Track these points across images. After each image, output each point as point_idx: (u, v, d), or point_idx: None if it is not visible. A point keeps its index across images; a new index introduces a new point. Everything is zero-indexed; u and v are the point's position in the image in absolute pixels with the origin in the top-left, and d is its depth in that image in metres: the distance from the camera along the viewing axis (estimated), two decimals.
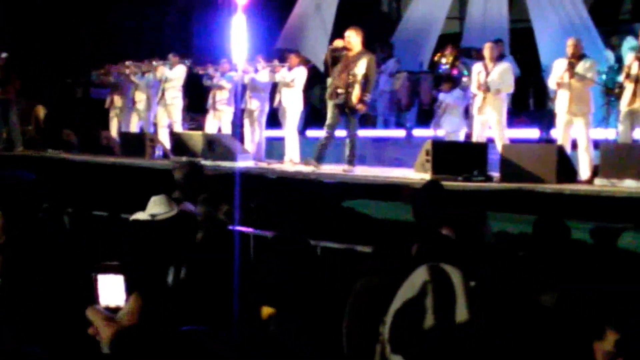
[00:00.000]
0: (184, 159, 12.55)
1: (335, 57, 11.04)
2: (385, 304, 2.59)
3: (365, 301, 3.00)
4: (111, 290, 2.07)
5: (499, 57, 11.74)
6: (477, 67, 11.27)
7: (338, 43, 11.11)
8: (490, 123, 11.11)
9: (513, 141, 11.24)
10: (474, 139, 11.23)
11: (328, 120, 11.21)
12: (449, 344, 2.39)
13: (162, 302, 2.43)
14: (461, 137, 12.27)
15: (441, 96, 12.06)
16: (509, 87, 11.24)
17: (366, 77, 10.91)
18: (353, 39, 10.98)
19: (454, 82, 12.21)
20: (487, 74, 11.02)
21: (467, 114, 12.80)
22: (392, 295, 2.57)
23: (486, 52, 11.19)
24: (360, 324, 2.97)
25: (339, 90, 10.93)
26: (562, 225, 5.03)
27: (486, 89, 10.97)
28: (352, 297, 3.18)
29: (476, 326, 2.42)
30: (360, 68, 10.84)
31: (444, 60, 12.45)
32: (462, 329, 2.40)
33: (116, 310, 2.06)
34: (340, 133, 11.42)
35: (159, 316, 2.09)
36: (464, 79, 12.06)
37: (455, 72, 12.74)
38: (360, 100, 10.93)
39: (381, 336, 2.57)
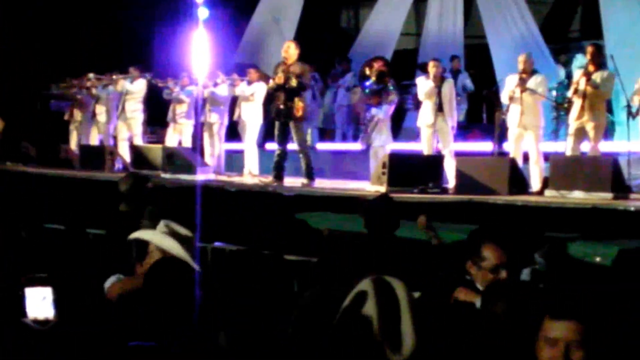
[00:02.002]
0: (144, 172, 12.63)
1: (276, 87, 11.33)
2: (330, 314, 2.71)
3: (311, 312, 3.08)
4: (39, 302, 2.05)
5: (444, 76, 11.98)
6: (426, 82, 11.46)
7: (271, 84, 11.48)
8: (440, 136, 11.35)
9: (466, 154, 11.45)
10: (425, 151, 11.43)
11: (277, 138, 11.44)
12: (395, 352, 2.50)
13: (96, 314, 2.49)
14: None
15: (373, 111, 12.12)
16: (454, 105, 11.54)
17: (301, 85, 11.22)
18: (292, 50, 11.26)
19: (380, 96, 12.35)
20: (439, 91, 11.27)
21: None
22: (337, 306, 2.69)
23: (431, 70, 11.40)
24: (306, 335, 3.05)
25: (281, 106, 11.16)
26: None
27: (439, 107, 11.21)
28: (298, 309, 3.27)
29: (420, 335, 2.54)
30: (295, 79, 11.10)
31: (372, 77, 12.55)
32: (406, 338, 2.52)
33: (45, 323, 2.05)
34: (294, 146, 11.58)
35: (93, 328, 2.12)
36: (391, 96, 12.23)
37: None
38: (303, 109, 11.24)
39: (325, 344, 2.69)
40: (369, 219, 6.01)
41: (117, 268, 4.77)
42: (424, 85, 11.43)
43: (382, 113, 12.18)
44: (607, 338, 2.32)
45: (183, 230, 4.41)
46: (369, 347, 2.51)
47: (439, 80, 11.34)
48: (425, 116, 11.40)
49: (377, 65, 12.25)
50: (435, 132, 11.37)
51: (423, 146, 11.53)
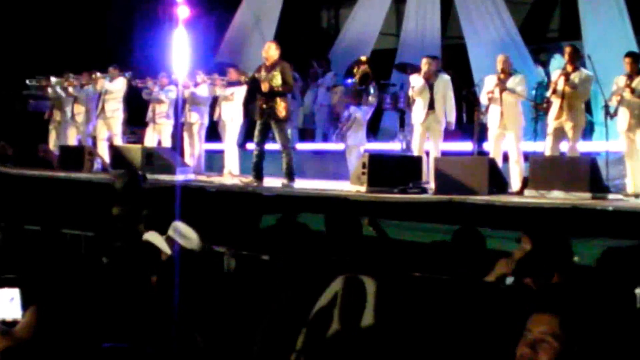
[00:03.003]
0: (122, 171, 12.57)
1: (255, 80, 11.32)
2: (301, 316, 2.70)
3: (281, 316, 3.08)
4: (7, 303, 2.05)
5: (437, 73, 11.95)
6: (418, 79, 11.37)
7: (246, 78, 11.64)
8: (430, 135, 11.30)
9: (445, 154, 11.44)
10: (416, 150, 11.36)
11: (256, 138, 11.37)
12: (353, 349, 2.50)
13: (65, 316, 2.48)
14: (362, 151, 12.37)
15: (352, 109, 12.13)
16: (451, 102, 11.46)
17: (285, 86, 11.21)
18: (272, 51, 11.26)
19: (361, 97, 12.35)
20: (431, 88, 11.21)
21: (402, 126, 13.01)
22: (308, 307, 2.69)
23: (424, 67, 11.32)
24: (276, 339, 3.04)
25: (263, 106, 11.13)
26: (477, 234, 5.21)
27: (430, 105, 11.16)
28: (268, 314, 3.26)
29: (383, 332, 2.54)
30: (278, 79, 11.08)
31: (356, 78, 12.55)
32: (366, 335, 2.51)
33: (13, 324, 2.04)
34: (275, 146, 11.57)
35: (58, 330, 2.08)
36: (370, 98, 12.25)
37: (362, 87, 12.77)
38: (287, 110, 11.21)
39: (297, 346, 2.69)
40: (329, 219, 6.08)
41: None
42: (415, 82, 11.34)
43: (361, 113, 12.21)
44: (584, 337, 2.29)
45: (185, 231, 4.47)
46: (339, 347, 2.51)
47: (432, 78, 11.26)
48: (417, 114, 11.33)
49: (363, 67, 12.31)
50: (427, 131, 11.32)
51: (414, 144, 11.49)
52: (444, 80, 11.36)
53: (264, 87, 11.04)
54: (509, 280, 4.50)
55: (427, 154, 11.35)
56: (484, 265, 4.99)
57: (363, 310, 2.52)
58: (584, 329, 2.25)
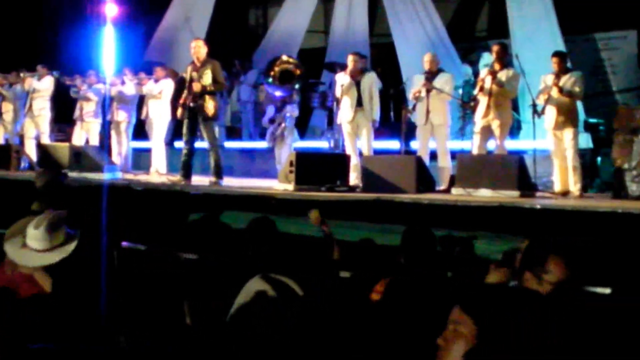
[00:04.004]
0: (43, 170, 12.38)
1: (183, 79, 11.30)
2: (222, 315, 2.65)
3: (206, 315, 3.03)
4: None
5: (363, 70, 11.88)
6: (344, 77, 11.18)
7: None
8: (360, 133, 11.20)
9: (374, 152, 11.39)
10: (347, 149, 11.22)
11: (184, 136, 11.26)
12: (276, 348, 2.46)
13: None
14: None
15: (288, 108, 12.08)
16: (376, 100, 11.33)
17: (216, 84, 11.15)
18: (201, 49, 11.15)
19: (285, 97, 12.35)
20: (358, 86, 11.08)
21: (330, 124, 12.98)
22: (227, 307, 2.63)
23: (350, 64, 11.14)
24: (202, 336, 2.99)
25: (191, 104, 11.02)
26: (429, 235, 5.18)
27: (359, 104, 11.08)
28: (192, 312, 3.20)
29: (306, 332, 2.50)
30: (207, 77, 11.00)
31: (275, 81, 12.55)
32: (290, 334, 2.48)
33: None
34: (203, 144, 11.46)
35: None
36: (294, 95, 12.22)
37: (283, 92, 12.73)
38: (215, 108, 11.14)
39: (219, 345, 2.63)
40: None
41: None
42: (342, 80, 11.16)
43: (296, 111, 12.18)
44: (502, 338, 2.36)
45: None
46: (262, 346, 2.47)
47: (358, 75, 11.10)
48: (344, 112, 11.14)
49: (284, 65, 12.26)
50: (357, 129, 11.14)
51: (346, 144, 11.34)
52: (370, 78, 11.19)
53: (196, 87, 10.91)
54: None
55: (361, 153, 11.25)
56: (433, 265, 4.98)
57: (286, 309, 2.49)
58: (492, 324, 2.33)
